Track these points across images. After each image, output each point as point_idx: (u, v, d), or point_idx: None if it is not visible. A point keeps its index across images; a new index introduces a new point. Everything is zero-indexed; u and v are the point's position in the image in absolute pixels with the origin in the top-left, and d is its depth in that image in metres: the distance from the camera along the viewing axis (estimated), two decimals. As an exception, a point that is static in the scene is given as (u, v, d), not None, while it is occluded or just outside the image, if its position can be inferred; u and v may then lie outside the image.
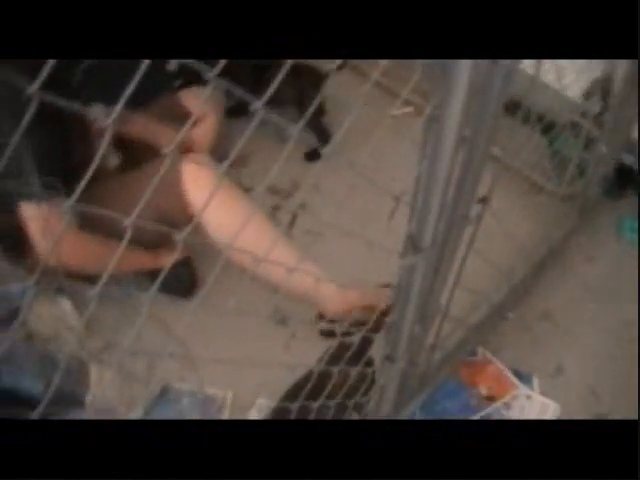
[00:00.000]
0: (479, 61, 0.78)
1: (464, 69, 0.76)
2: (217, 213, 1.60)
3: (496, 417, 1.67)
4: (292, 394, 1.48)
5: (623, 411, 1.68)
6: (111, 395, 1.55)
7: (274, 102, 0.64)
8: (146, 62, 0.54)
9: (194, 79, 2.11)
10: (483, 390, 1.73)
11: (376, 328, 1.30)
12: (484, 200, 1.15)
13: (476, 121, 0.94)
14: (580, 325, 1.90)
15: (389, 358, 1.25)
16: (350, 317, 1.62)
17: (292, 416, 1.19)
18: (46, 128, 1.43)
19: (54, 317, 1.65)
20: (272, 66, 2.09)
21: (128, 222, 0.58)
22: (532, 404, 1.71)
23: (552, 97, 2.03)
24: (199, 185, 1.64)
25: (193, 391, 1.63)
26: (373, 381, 1.40)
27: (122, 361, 0.74)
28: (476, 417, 1.66)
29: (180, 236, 0.64)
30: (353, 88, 1.83)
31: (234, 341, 1.11)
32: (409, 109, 2.47)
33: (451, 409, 1.68)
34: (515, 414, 1.69)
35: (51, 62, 0.49)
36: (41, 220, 1.38)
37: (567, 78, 2.05)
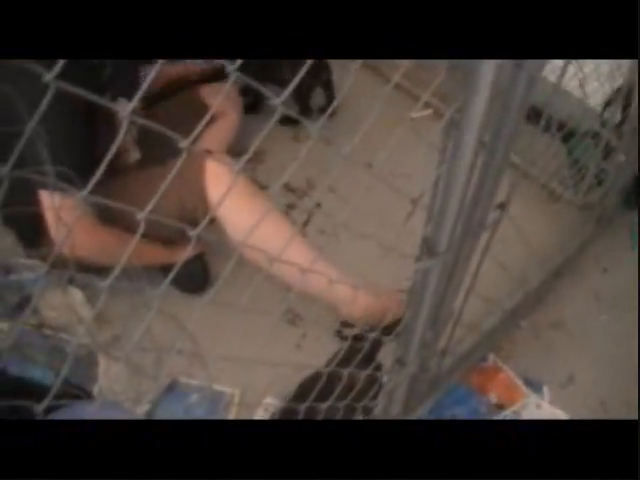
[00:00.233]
0: (503, 65, 0.77)
1: (488, 72, 0.75)
2: (236, 211, 1.60)
3: (505, 425, 1.66)
4: (300, 394, 1.48)
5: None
6: (118, 389, 1.56)
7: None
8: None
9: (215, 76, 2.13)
10: (493, 397, 1.72)
11: (388, 332, 1.29)
12: (502, 206, 1.14)
13: (497, 127, 0.93)
14: (592, 335, 1.89)
15: (400, 361, 1.24)
16: (364, 320, 1.62)
17: (300, 417, 1.18)
18: (74, 120, 1.45)
19: (66, 307, 1.65)
20: (283, 64, 2.11)
21: (141, 216, 0.58)
22: (541, 413, 1.70)
23: (574, 105, 2.02)
24: (219, 182, 1.65)
25: (201, 387, 1.63)
26: (382, 385, 1.40)
27: (130, 355, 0.73)
28: (484, 424, 1.65)
29: (194, 232, 0.64)
30: (372, 89, 1.82)
31: (244, 339, 1.10)
32: (428, 112, 2.46)
33: (460, 415, 1.67)
34: (524, 423, 1.68)
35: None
36: (58, 210, 1.40)
37: (589, 86, 2.04)
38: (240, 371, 1.23)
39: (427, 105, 2.45)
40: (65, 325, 1.63)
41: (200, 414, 1.60)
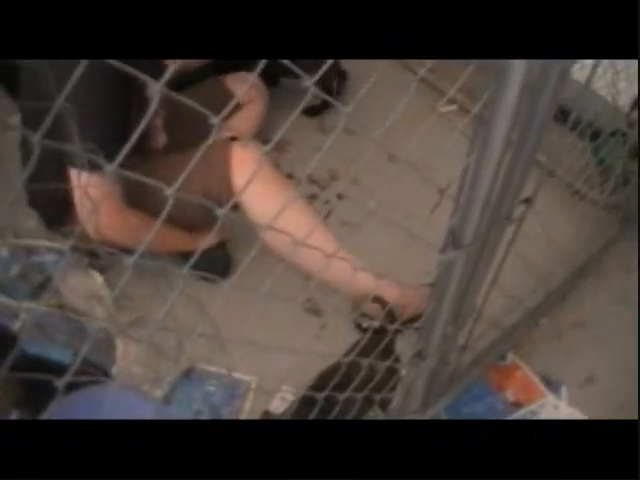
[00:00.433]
0: (533, 62, 0.76)
1: (518, 68, 0.75)
2: (261, 197, 1.61)
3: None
4: (320, 385, 1.48)
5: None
6: (136, 372, 1.56)
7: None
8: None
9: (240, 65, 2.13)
10: (510, 395, 1.71)
11: (407, 326, 1.29)
12: (527, 201, 1.13)
13: (525, 124, 0.92)
14: (614, 336, 1.86)
15: (420, 355, 1.24)
16: (386, 313, 1.62)
17: (318, 406, 1.18)
18: (109, 102, 1.46)
19: (86, 289, 1.67)
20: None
21: (169, 191, 0.57)
22: (558, 414, 1.69)
23: (601, 104, 1.99)
24: (245, 168, 1.65)
25: (219, 373, 1.64)
26: (400, 378, 1.39)
27: (151, 337, 0.73)
28: (501, 422, 1.64)
29: (221, 212, 0.63)
30: (396, 80, 1.81)
31: (265, 328, 1.10)
32: (453, 107, 2.45)
33: (477, 412, 1.66)
34: (541, 422, 1.66)
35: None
36: (85, 188, 1.41)
37: (617, 86, 2.02)
38: (258, 359, 1.23)
39: (452, 100, 2.44)
40: (85, 308, 1.65)
41: (217, 401, 1.61)
